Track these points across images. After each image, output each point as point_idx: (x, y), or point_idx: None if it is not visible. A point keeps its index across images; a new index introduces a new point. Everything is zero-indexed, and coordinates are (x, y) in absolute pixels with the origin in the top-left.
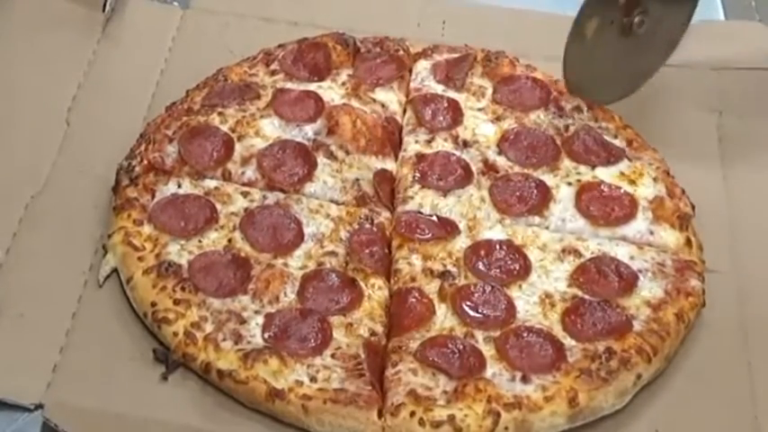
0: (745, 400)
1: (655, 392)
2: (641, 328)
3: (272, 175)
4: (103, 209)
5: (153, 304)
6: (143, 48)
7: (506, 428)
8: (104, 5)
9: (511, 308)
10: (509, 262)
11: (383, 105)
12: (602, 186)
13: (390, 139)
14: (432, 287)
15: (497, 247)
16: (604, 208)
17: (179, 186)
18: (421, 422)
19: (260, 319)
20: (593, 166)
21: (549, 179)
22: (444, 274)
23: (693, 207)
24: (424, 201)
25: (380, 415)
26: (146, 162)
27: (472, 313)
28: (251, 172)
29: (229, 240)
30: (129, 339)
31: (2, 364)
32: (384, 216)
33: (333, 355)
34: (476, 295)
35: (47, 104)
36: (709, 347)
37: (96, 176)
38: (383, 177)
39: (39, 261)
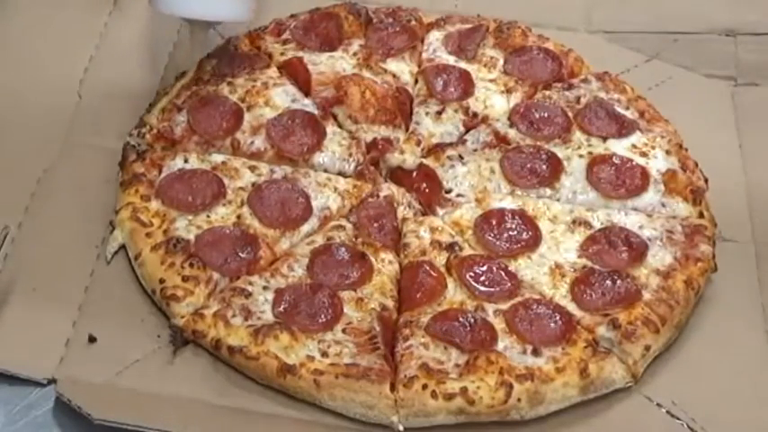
0: (763, 370)
1: (671, 363)
2: (651, 297)
3: (281, 144)
4: (115, 182)
5: (161, 281)
6: (155, 20)
7: (519, 400)
8: None
9: (516, 279)
10: (519, 232)
11: (394, 76)
12: (614, 159)
13: (401, 109)
14: (442, 259)
15: (509, 216)
16: (616, 180)
17: (186, 161)
18: (433, 395)
19: (269, 295)
20: (605, 138)
21: (560, 151)
22: (452, 246)
23: (707, 181)
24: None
25: (393, 388)
26: (155, 131)
27: (477, 285)
28: (259, 142)
29: (238, 216)
30: (142, 314)
31: (15, 339)
32: (392, 188)
33: (344, 330)
34: (478, 267)
35: (58, 77)
36: (727, 317)
37: (108, 150)
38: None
39: (51, 235)
